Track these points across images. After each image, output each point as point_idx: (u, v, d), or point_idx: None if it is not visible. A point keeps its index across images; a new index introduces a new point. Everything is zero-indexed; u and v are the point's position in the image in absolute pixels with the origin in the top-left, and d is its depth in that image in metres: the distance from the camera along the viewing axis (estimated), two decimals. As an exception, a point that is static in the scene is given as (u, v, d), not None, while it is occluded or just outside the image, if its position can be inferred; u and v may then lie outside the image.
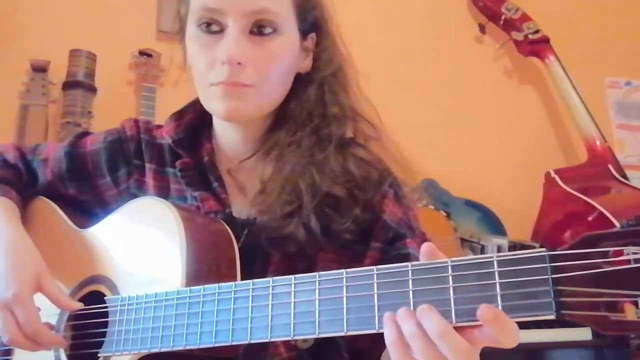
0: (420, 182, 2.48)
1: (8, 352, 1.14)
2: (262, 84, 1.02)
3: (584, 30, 2.96)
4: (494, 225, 2.50)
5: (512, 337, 0.67)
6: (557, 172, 2.54)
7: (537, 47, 2.73)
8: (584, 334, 2.02)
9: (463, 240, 2.36)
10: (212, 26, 1.02)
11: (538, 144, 2.83)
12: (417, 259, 0.75)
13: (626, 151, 2.88)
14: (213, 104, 1.04)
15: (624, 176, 2.49)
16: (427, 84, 2.77)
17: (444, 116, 2.76)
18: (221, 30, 1.02)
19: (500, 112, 2.83)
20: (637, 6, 3.08)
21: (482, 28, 2.86)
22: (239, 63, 1.00)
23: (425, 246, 0.75)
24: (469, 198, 2.54)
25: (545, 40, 2.72)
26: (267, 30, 1.02)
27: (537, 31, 2.73)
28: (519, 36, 2.73)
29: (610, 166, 2.52)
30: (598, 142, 2.57)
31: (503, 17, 2.76)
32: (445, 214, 2.42)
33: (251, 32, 1.02)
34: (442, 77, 2.79)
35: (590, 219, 2.28)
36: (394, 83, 2.65)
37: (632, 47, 2.99)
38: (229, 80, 1.00)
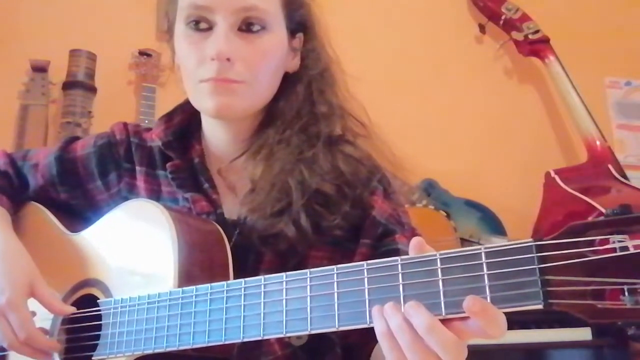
0: (420, 182, 2.49)
1: (3, 358, 1.14)
2: (252, 81, 1.03)
3: (584, 30, 2.95)
4: (494, 225, 2.49)
5: (499, 328, 0.67)
6: (557, 172, 2.53)
7: (537, 47, 2.72)
8: (584, 334, 2.02)
9: (463, 240, 2.36)
10: (201, 24, 1.03)
11: (538, 144, 2.82)
12: (407, 254, 0.76)
13: (626, 151, 2.87)
14: (202, 101, 1.04)
15: (624, 176, 2.49)
16: (427, 84, 2.77)
17: (444, 116, 2.75)
18: (210, 28, 1.02)
19: (500, 112, 2.82)
20: (637, 6, 3.08)
21: (482, 28, 2.85)
22: (228, 59, 1.00)
23: (414, 240, 0.75)
24: (469, 198, 2.54)
25: (545, 40, 2.72)
26: (256, 27, 1.03)
27: (537, 31, 2.72)
28: (519, 36, 2.73)
29: (610, 166, 2.51)
30: (598, 142, 2.57)
31: (503, 17, 2.76)
32: (445, 214, 2.42)
33: (240, 29, 1.02)
34: (442, 77, 2.79)
35: (590, 219, 2.27)
36: (394, 83, 2.65)
37: (632, 47, 2.99)
38: (219, 77, 1.00)
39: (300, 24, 1.12)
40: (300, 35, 1.13)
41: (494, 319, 0.67)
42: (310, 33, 1.14)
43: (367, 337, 0.98)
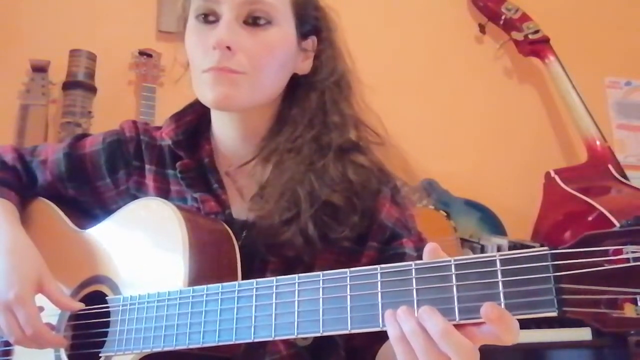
0: (420, 182, 2.48)
1: (8, 353, 1.14)
2: (254, 73, 1.02)
3: (584, 30, 2.96)
4: (494, 225, 2.49)
5: (514, 334, 0.68)
6: (557, 172, 2.54)
7: (537, 47, 2.73)
8: (584, 334, 2.02)
9: (463, 240, 2.36)
10: (209, 16, 1.04)
11: (538, 144, 2.83)
12: (413, 259, 0.76)
13: (626, 151, 2.88)
14: (204, 92, 1.04)
15: (624, 176, 2.49)
16: (427, 84, 2.77)
17: (444, 116, 2.76)
18: (217, 20, 1.03)
19: (500, 112, 2.83)
20: (637, 6, 3.09)
21: (482, 28, 2.85)
22: (229, 48, 1.00)
23: (429, 246, 0.75)
24: (469, 198, 2.54)
25: (545, 40, 2.72)
26: (261, 20, 1.03)
27: (537, 31, 2.73)
28: (519, 36, 2.73)
29: (610, 166, 2.52)
30: (598, 142, 2.57)
31: (503, 17, 2.76)
32: (445, 214, 2.42)
33: (245, 22, 1.03)
34: (442, 77, 2.79)
35: (590, 219, 2.28)
36: (394, 83, 2.65)
37: (632, 47, 2.99)
38: (219, 65, 1.00)
39: (313, 27, 1.12)
40: (313, 38, 1.13)
41: (509, 326, 0.67)
42: (325, 39, 1.14)
43: (371, 339, 0.99)
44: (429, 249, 0.75)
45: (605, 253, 0.63)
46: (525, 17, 2.76)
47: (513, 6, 2.77)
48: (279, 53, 1.06)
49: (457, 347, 0.69)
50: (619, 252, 0.63)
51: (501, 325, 0.67)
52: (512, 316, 0.67)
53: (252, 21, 1.03)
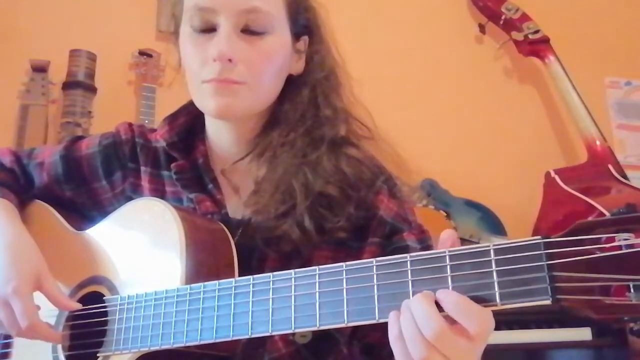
0: (420, 182, 2.48)
1: (6, 355, 1.14)
2: (254, 82, 1.03)
3: (584, 30, 2.96)
4: (494, 225, 2.49)
5: (471, 320, 0.69)
6: (557, 172, 2.53)
7: (537, 47, 2.72)
8: (584, 333, 2.02)
9: (463, 240, 2.36)
10: (205, 25, 1.03)
11: (538, 144, 2.83)
12: (416, 251, 0.76)
13: (626, 151, 2.87)
14: (205, 102, 1.05)
15: (624, 176, 2.49)
16: (427, 83, 2.77)
17: (444, 116, 2.76)
18: (213, 29, 1.03)
19: (500, 112, 2.82)
20: (637, 6, 3.08)
21: (482, 28, 2.85)
22: (230, 60, 1.01)
23: (445, 233, 0.76)
24: (469, 198, 2.54)
25: (545, 40, 2.72)
26: (259, 29, 1.03)
27: (537, 31, 2.72)
28: (519, 36, 2.73)
29: (610, 166, 2.51)
30: (598, 142, 2.57)
31: (503, 17, 2.76)
32: (445, 214, 2.43)
33: (243, 31, 1.03)
34: (442, 77, 2.79)
35: (590, 218, 2.27)
36: (394, 83, 2.66)
37: (632, 47, 2.99)
38: (220, 77, 1.01)
39: (305, 27, 1.13)
40: (305, 38, 1.13)
41: (464, 314, 0.69)
42: (316, 36, 1.14)
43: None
44: (445, 236, 0.76)
45: (597, 241, 0.64)
46: (525, 17, 2.75)
47: (513, 6, 2.76)
48: (277, 60, 1.06)
49: (425, 318, 0.70)
50: (612, 240, 0.63)
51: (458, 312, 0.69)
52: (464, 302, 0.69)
53: (249, 30, 1.03)
